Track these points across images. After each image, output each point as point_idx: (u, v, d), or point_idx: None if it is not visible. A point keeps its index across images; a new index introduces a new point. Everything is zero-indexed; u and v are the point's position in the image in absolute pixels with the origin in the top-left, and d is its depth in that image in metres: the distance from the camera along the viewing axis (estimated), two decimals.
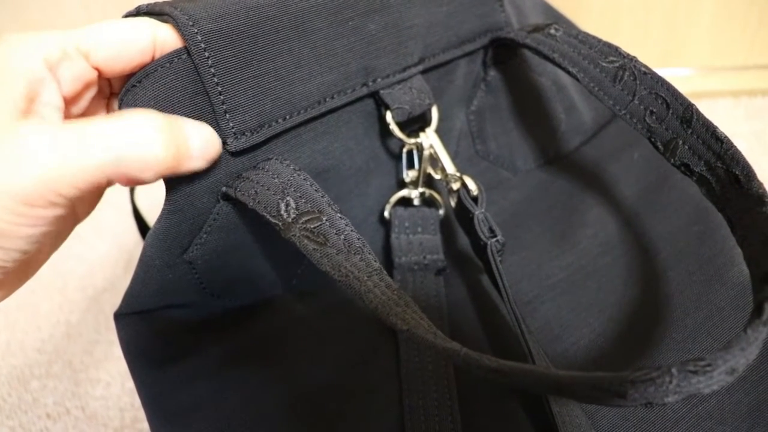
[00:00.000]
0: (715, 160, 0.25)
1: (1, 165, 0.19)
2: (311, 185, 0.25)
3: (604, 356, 0.28)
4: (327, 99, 0.28)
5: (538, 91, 0.36)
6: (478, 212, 0.29)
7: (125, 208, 0.42)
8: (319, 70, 0.27)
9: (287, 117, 0.27)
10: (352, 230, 0.24)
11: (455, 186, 0.31)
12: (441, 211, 0.33)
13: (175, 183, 0.25)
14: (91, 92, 0.25)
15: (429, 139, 0.32)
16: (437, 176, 0.32)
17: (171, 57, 0.24)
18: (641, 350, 0.28)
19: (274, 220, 0.24)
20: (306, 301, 0.31)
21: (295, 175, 0.26)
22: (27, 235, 0.21)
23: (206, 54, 0.24)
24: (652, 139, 0.27)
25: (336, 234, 0.23)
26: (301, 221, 0.24)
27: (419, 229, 0.32)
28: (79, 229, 0.29)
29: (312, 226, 0.24)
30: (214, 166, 0.26)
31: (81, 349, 0.51)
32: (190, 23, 0.24)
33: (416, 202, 0.33)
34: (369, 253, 0.23)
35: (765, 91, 0.71)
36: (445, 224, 0.34)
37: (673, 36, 0.70)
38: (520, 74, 0.36)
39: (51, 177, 0.20)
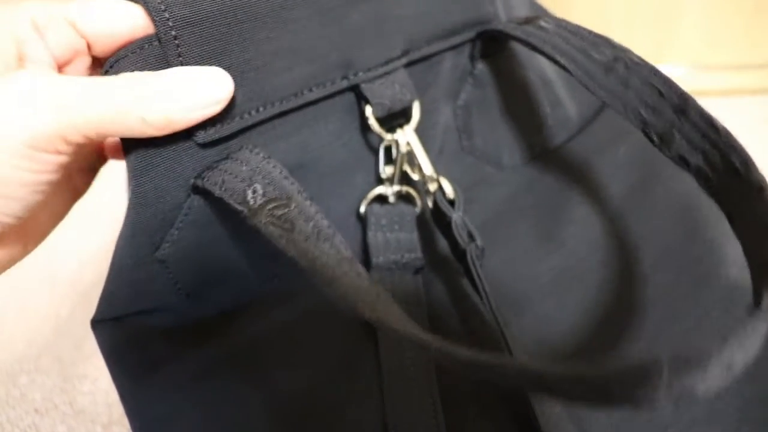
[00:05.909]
0: (712, 150, 0.24)
1: (9, 110, 0.20)
2: (280, 172, 0.24)
3: (591, 359, 0.28)
4: (304, 91, 0.27)
5: (525, 85, 0.36)
6: (455, 216, 0.28)
7: (115, 201, 0.42)
8: (297, 60, 0.26)
9: (260, 109, 0.26)
10: (322, 218, 0.23)
11: (432, 187, 0.30)
12: (418, 209, 0.33)
13: (140, 175, 0.24)
14: (83, 62, 0.25)
15: (406, 136, 0.31)
16: (415, 176, 0.31)
17: (142, 43, 0.23)
18: (630, 352, 0.28)
19: (239, 207, 0.23)
20: (286, 303, 0.30)
21: (263, 162, 0.25)
22: (30, 182, 0.21)
23: (176, 42, 0.23)
24: (647, 131, 0.26)
25: (305, 221, 0.23)
26: (267, 207, 0.23)
27: (396, 227, 0.31)
28: (69, 221, 0.29)
29: (279, 213, 0.23)
30: (182, 158, 0.25)
31: (70, 344, 0.51)
32: (162, 8, 0.23)
33: (392, 199, 0.32)
34: (340, 242, 0.23)
35: (755, 90, 0.71)
36: (424, 223, 0.33)
37: (664, 34, 0.70)
38: (508, 68, 0.35)
39: (60, 122, 0.20)
